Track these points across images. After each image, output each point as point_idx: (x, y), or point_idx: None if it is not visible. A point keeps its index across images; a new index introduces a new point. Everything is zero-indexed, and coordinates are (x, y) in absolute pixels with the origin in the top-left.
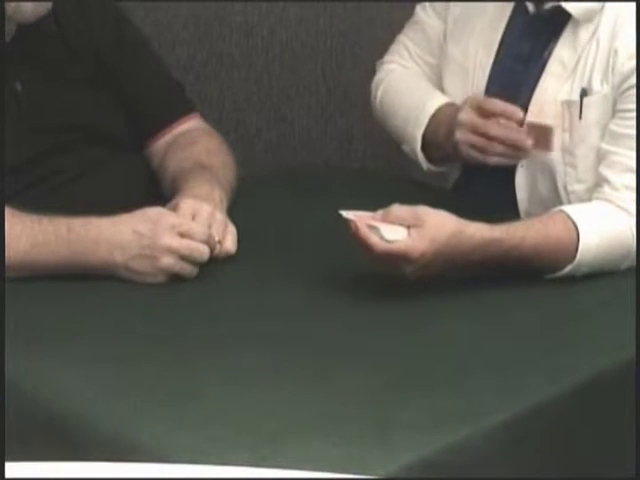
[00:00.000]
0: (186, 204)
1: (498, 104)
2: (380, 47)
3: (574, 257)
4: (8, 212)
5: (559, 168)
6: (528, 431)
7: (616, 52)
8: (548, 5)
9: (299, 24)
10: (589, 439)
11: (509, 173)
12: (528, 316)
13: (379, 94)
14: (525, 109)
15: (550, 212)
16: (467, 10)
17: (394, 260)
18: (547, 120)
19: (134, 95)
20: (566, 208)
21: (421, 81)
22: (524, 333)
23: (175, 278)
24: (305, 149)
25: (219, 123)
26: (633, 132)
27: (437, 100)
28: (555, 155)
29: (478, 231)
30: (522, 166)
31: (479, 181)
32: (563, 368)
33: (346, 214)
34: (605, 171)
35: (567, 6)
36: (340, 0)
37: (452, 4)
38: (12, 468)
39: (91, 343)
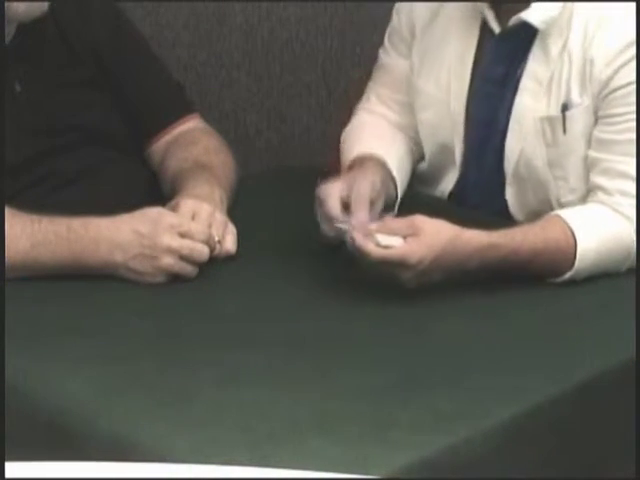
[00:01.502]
0: (186, 204)
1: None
2: (380, 47)
3: (573, 261)
4: (8, 212)
5: (550, 184)
6: (528, 431)
7: (592, 61)
8: (511, 21)
9: (299, 24)
10: (589, 439)
11: (501, 195)
12: (528, 316)
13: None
14: (505, 130)
15: (546, 217)
16: (432, 43)
17: (391, 266)
18: (528, 137)
19: (134, 96)
20: (561, 212)
21: (367, 128)
22: (524, 333)
23: (175, 278)
24: (305, 149)
25: (219, 123)
26: (620, 137)
27: (357, 149)
28: (543, 171)
29: (475, 237)
30: (510, 184)
31: (472, 195)
32: (563, 368)
33: (342, 225)
34: (597, 178)
35: (529, 18)
36: (340, 0)
37: (416, 39)
38: (12, 468)
39: (91, 343)
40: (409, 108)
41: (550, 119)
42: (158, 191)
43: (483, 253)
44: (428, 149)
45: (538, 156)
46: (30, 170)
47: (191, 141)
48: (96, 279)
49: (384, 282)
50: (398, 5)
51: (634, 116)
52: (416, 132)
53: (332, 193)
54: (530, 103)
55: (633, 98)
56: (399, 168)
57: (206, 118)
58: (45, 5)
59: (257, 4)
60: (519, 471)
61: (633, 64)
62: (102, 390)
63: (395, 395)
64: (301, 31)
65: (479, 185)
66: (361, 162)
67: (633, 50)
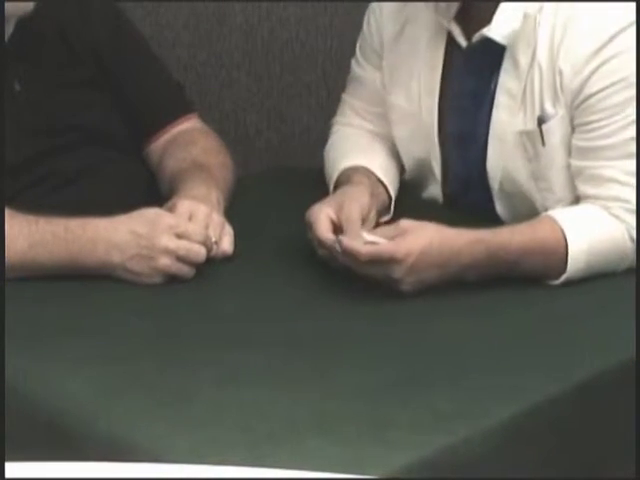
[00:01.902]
0: (183, 205)
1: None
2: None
3: (565, 262)
4: (6, 213)
5: (536, 196)
6: (527, 431)
7: (561, 72)
8: (475, 38)
9: (299, 24)
10: (589, 439)
11: (489, 203)
12: (528, 316)
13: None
14: (485, 146)
15: (537, 217)
16: (400, 58)
17: (381, 264)
18: (509, 153)
19: (133, 95)
20: (552, 212)
21: (347, 142)
22: (523, 333)
23: (172, 279)
24: (305, 149)
25: (219, 123)
26: (600, 143)
27: (344, 163)
28: (527, 184)
29: (462, 232)
30: (498, 199)
31: (464, 207)
32: (562, 368)
33: (336, 246)
34: (584, 187)
35: (491, 34)
36: (340, 0)
37: (385, 53)
38: (12, 468)
39: (89, 343)
40: (385, 120)
41: (528, 133)
42: (157, 191)
43: (472, 247)
44: (406, 162)
45: (521, 171)
46: (29, 170)
47: (189, 141)
48: (94, 280)
49: (379, 287)
50: (367, 17)
51: (611, 120)
52: (394, 143)
53: (321, 217)
54: (507, 118)
55: (607, 103)
56: (387, 172)
57: (206, 118)
58: (29, 4)
59: (257, 4)
60: (519, 471)
61: (604, 69)
62: (101, 390)
63: (394, 395)
64: (301, 31)
65: (467, 198)
66: (347, 178)
67: (602, 55)
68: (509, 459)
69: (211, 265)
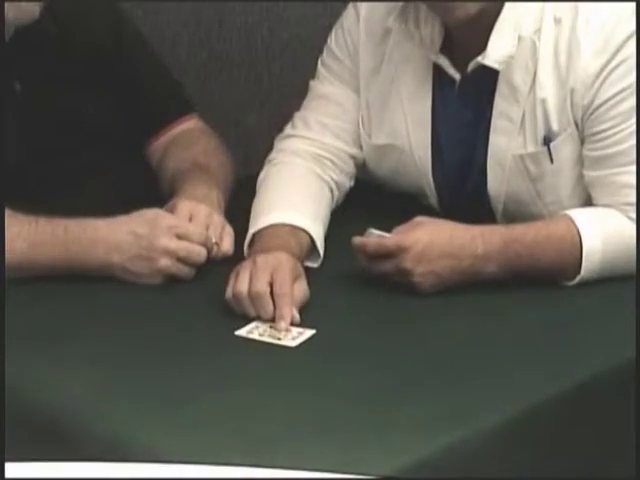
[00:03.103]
0: (184, 205)
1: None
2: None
3: (579, 260)
4: (6, 212)
5: (542, 210)
6: (526, 432)
7: (573, 91)
8: (470, 66)
9: (299, 24)
10: (588, 440)
11: (491, 222)
12: (527, 316)
13: (265, 170)
14: (483, 171)
15: (554, 215)
16: (379, 94)
17: (390, 253)
18: (511, 176)
19: (133, 95)
20: (568, 211)
21: (293, 188)
22: (523, 334)
23: (172, 279)
24: None
25: (219, 123)
26: (612, 150)
27: (273, 218)
28: (533, 202)
29: (475, 225)
30: (501, 221)
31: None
32: (562, 369)
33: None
34: (599, 196)
35: (487, 61)
36: (340, 0)
37: (361, 87)
38: (12, 468)
39: (88, 344)
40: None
41: (532, 155)
42: (157, 191)
43: (485, 238)
44: (396, 186)
45: (525, 191)
46: (29, 170)
47: (190, 142)
48: (94, 280)
49: (394, 283)
50: (338, 38)
51: (621, 127)
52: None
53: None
54: (505, 142)
55: (616, 110)
56: (321, 232)
57: (206, 118)
58: (36, 12)
59: (257, 4)
60: (517, 472)
61: (611, 78)
62: (101, 391)
63: (393, 396)
64: (301, 31)
65: (464, 218)
66: (269, 236)
67: (610, 66)
68: (508, 460)
69: (211, 266)
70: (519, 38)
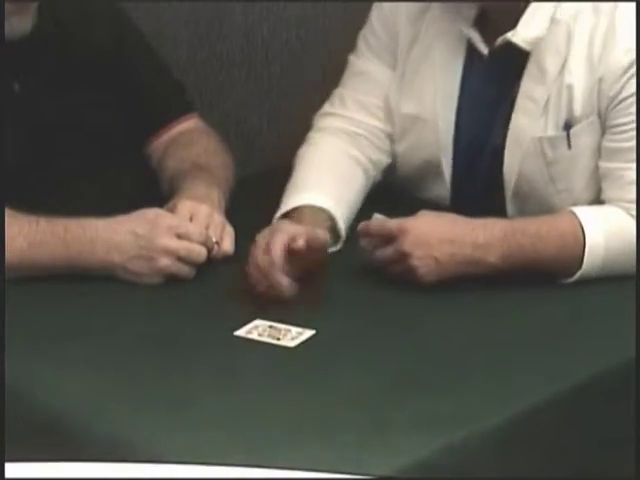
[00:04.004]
0: (184, 205)
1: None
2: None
3: (582, 255)
4: (6, 212)
5: (553, 198)
6: (526, 432)
7: (601, 80)
8: (497, 42)
9: (299, 24)
10: (588, 440)
11: (500, 204)
12: (527, 316)
13: (300, 151)
14: (502, 147)
15: (558, 212)
16: (414, 63)
17: (390, 234)
18: (527, 157)
19: (134, 94)
20: (573, 208)
21: (323, 171)
22: (523, 333)
23: (172, 279)
24: None
25: (219, 123)
26: (626, 144)
27: (298, 200)
28: (545, 187)
29: (478, 219)
30: (510, 201)
31: (470, 210)
32: (562, 369)
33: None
34: (609, 189)
35: (515, 39)
36: (340, 0)
37: (399, 57)
38: (12, 468)
39: (88, 344)
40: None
41: (551, 139)
42: (157, 191)
43: (487, 227)
44: (411, 164)
45: (538, 174)
46: (30, 170)
47: (190, 141)
48: (93, 280)
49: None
50: (378, 14)
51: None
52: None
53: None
54: (527, 123)
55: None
56: (346, 215)
57: (206, 118)
58: (28, 28)
59: (257, 4)
60: (517, 472)
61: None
62: (101, 391)
63: (392, 397)
64: (301, 31)
65: (475, 200)
66: (294, 219)
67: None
68: (508, 460)
69: (211, 266)
70: (554, 21)
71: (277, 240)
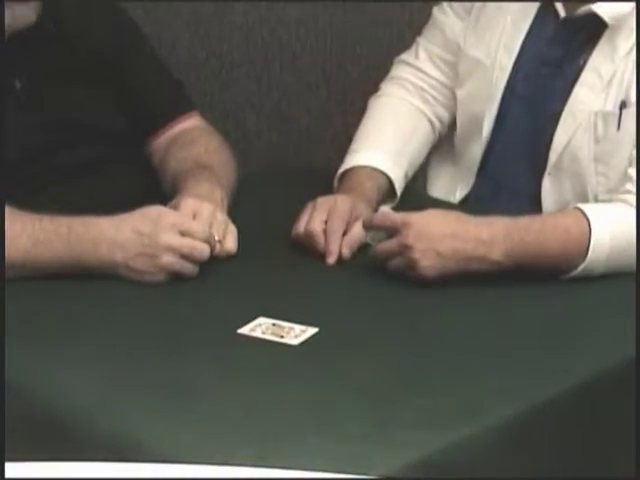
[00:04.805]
0: (187, 203)
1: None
2: (380, 47)
3: (586, 253)
4: (8, 211)
5: (591, 178)
6: (529, 431)
7: None
8: (580, 10)
9: (299, 24)
10: (589, 439)
11: (536, 182)
12: (530, 315)
13: (370, 101)
14: (557, 116)
15: (564, 209)
16: (486, 12)
17: (394, 226)
18: (579, 130)
19: (134, 93)
20: (580, 205)
21: (387, 124)
22: (525, 332)
23: (175, 277)
24: (305, 149)
25: (219, 123)
26: None
27: (356, 159)
28: (587, 164)
29: (482, 217)
30: (550, 174)
31: (502, 194)
32: (564, 368)
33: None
34: (630, 171)
35: (599, 11)
36: (340, 0)
37: (474, 6)
38: (12, 468)
39: (91, 342)
40: (455, 70)
41: (605, 114)
42: (158, 189)
43: (490, 223)
44: (460, 120)
45: (585, 150)
46: (30, 167)
47: (191, 140)
48: (96, 278)
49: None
50: None
51: None
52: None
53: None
54: (588, 96)
55: None
56: (404, 171)
57: (206, 118)
58: (32, 17)
59: (257, 4)
60: (520, 471)
61: None
62: (103, 389)
63: (396, 393)
64: (301, 31)
65: (508, 161)
66: (349, 179)
67: None
68: (510, 459)
69: (214, 264)
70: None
71: (337, 217)
